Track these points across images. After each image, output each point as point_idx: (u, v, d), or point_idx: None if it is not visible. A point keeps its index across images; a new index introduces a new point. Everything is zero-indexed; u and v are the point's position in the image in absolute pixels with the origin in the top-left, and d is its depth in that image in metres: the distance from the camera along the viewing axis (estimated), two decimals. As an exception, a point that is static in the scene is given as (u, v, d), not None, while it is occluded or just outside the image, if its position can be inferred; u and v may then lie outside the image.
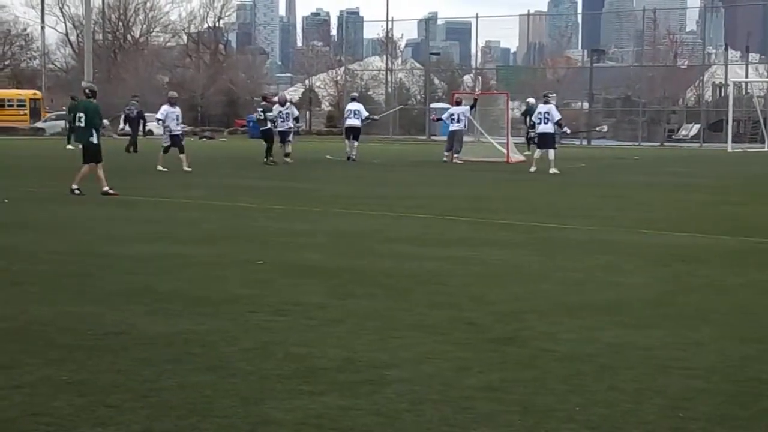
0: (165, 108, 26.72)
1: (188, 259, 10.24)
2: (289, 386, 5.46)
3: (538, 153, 27.66)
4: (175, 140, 26.12)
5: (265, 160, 29.09)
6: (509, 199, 18.89)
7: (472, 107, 34.09)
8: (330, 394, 5.32)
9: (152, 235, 12.33)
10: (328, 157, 34.54)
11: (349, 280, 8.97)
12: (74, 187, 18.01)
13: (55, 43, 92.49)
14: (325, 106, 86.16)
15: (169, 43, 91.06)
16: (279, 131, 29.89)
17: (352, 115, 33.70)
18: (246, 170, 26.74)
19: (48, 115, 68.86)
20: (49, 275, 9.05)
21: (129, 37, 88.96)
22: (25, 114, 69.48)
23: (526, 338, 6.71)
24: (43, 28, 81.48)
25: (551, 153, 26.96)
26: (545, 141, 27.36)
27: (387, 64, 78.43)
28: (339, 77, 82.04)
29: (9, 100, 69.22)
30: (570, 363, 6.06)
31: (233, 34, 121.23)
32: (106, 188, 17.94)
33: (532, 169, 26.57)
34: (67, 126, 37.40)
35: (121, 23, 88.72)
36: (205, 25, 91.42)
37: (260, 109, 31.06)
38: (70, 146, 34.81)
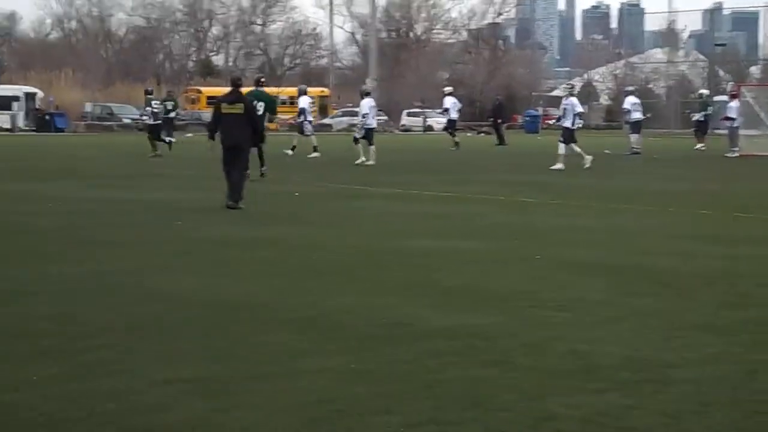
0: (368, 102, 27.41)
1: (470, 254, 10.40)
2: (570, 382, 5.46)
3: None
4: (369, 133, 26.87)
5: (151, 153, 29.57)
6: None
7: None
8: (612, 392, 5.29)
9: (436, 229, 12.58)
10: (606, 151, 34.06)
11: (632, 278, 8.85)
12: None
13: (342, 41, 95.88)
14: (604, 100, 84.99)
15: (449, 40, 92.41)
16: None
17: (639, 108, 33.60)
18: (523, 166, 26.76)
19: (335, 111, 71.40)
20: (345, 267, 9.45)
21: (411, 35, 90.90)
22: (314, 111, 72.27)
23: (821, 342, 6.41)
24: (331, 27, 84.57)
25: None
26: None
27: (669, 56, 76.41)
28: (618, 70, 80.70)
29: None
30: None
31: (512, 29, 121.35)
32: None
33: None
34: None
35: (404, 21, 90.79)
36: (485, 22, 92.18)
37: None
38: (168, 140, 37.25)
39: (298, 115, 30.21)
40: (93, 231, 12.07)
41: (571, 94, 26.16)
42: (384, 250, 10.64)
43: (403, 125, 70.31)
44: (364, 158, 26.49)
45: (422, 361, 5.89)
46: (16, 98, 58.65)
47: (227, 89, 15.67)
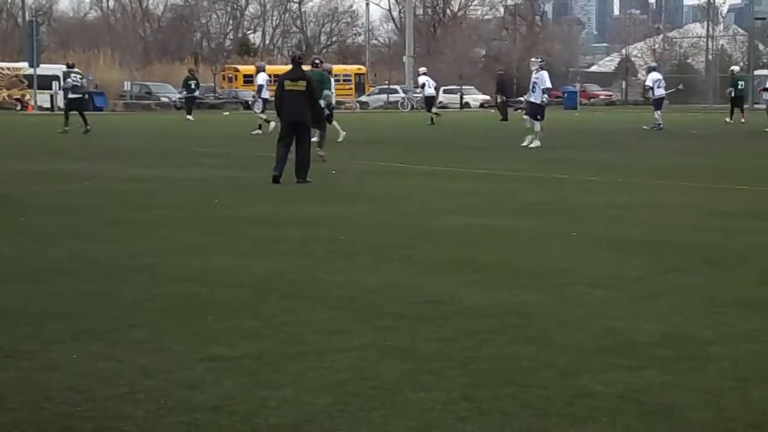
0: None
1: (506, 231, 10.35)
2: (607, 360, 5.43)
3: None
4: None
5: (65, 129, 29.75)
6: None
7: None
8: (649, 368, 5.25)
9: (471, 207, 12.54)
10: (644, 127, 33.85)
11: (671, 254, 8.77)
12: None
13: (379, 19, 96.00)
14: (641, 76, 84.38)
15: (486, 16, 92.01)
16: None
17: (662, 84, 33.77)
18: (560, 142, 26.59)
19: (372, 89, 71.38)
20: (376, 246, 9.38)
21: (448, 11, 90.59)
22: (351, 88, 72.36)
23: None
24: (367, 4, 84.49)
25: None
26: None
27: (708, 30, 75.70)
28: (657, 45, 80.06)
29: (336, 75, 72.12)
30: None
31: (549, 5, 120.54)
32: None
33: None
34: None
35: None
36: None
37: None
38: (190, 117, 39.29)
39: (258, 92, 30.01)
40: (126, 210, 12.10)
41: (542, 68, 24.71)
42: (419, 228, 10.61)
43: (440, 102, 70.09)
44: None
45: (457, 339, 5.86)
46: (55, 78, 59.00)
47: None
